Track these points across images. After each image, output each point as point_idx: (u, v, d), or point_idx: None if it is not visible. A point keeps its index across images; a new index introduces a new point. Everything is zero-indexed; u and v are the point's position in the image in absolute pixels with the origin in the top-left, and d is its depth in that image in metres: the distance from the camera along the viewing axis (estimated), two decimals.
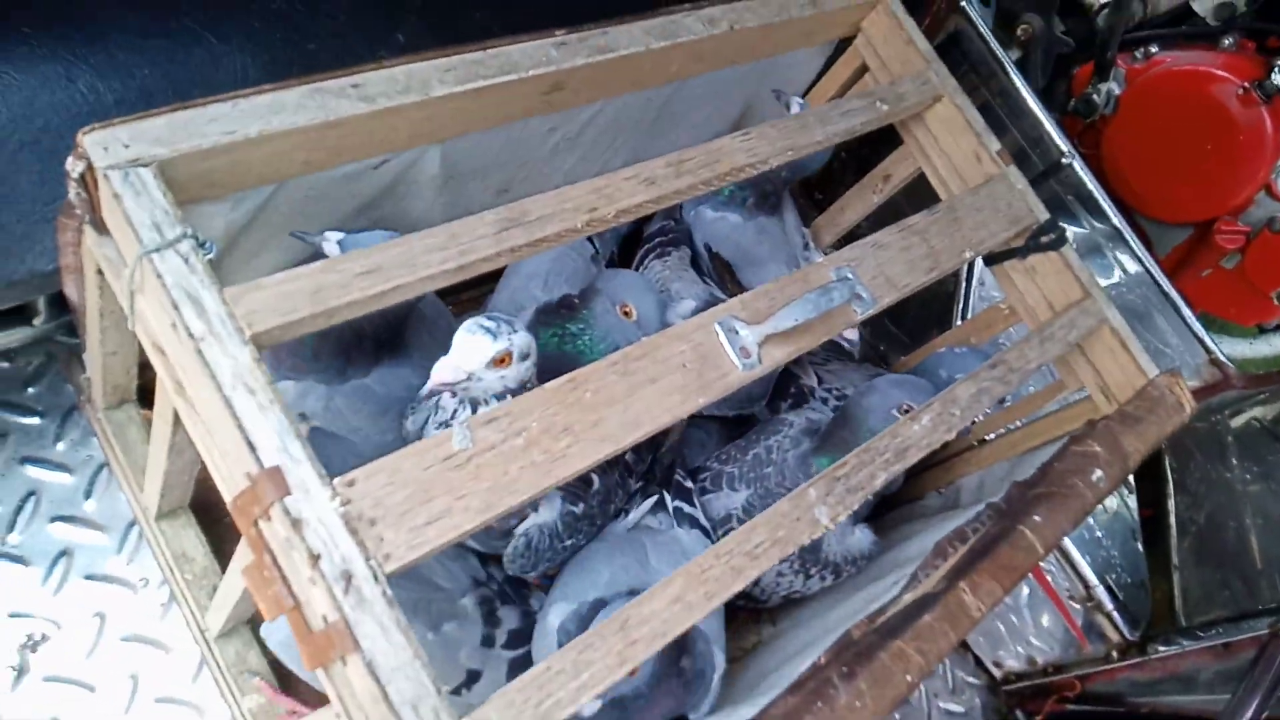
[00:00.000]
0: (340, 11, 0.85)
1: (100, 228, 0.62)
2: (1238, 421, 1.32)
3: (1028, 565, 0.77)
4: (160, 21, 0.75)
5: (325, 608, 0.52)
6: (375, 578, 0.53)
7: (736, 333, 0.73)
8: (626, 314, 0.91)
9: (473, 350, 0.70)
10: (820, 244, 1.28)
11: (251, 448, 0.53)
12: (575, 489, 0.84)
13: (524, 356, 0.73)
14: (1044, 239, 1.00)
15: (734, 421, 1.12)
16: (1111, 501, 1.32)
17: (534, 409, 0.62)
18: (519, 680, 0.55)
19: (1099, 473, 0.85)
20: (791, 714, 0.62)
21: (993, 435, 1.17)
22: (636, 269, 1.14)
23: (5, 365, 0.97)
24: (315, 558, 0.52)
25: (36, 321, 0.96)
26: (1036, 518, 0.79)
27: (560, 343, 0.89)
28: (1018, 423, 1.14)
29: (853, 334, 1.22)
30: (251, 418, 0.54)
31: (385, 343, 0.87)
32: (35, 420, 0.96)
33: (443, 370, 0.70)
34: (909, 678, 0.66)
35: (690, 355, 0.70)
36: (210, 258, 0.58)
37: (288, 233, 0.76)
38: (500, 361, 0.71)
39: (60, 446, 0.96)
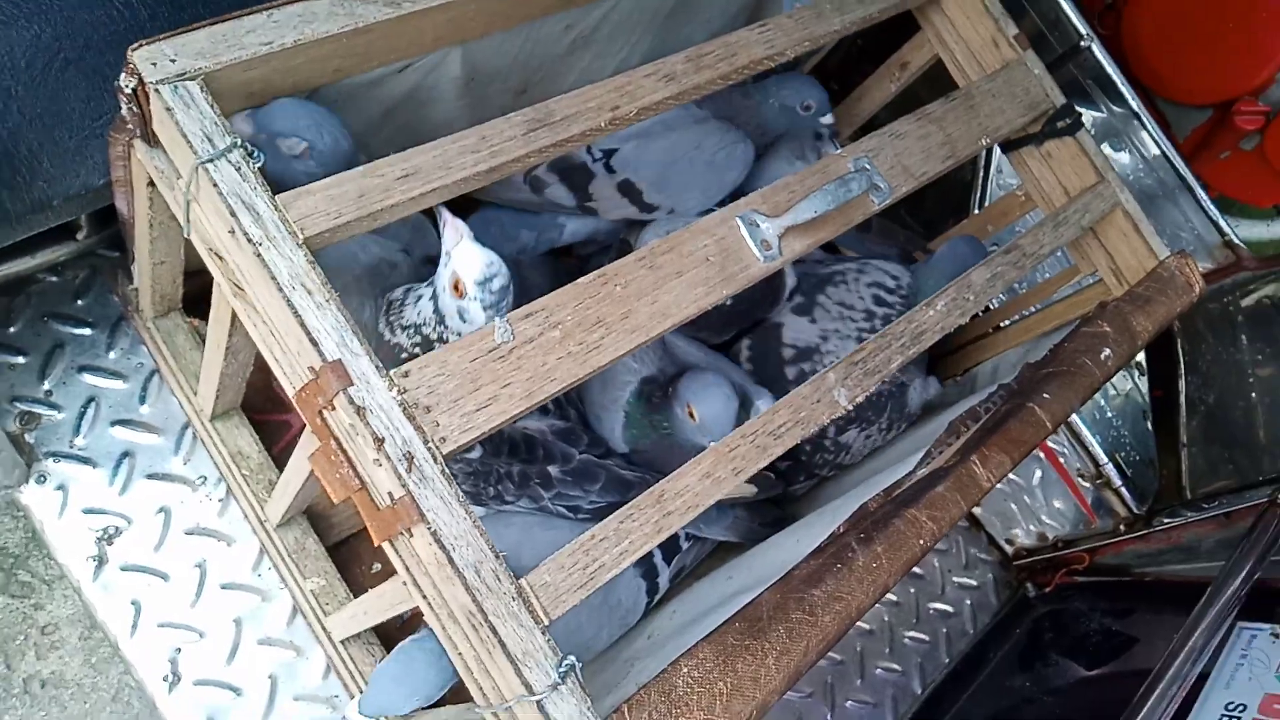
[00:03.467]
0: None
1: (151, 140, 0.65)
2: (1249, 301, 1.35)
3: (1036, 439, 0.82)
4: None
5: (391, 486, 0.57)
6: (434, 458, 0.58)
7: (757, 225, 0.76)
8: (691, 415, 0.89)
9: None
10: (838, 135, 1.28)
11: (314, 343, 0.57)
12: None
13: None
14: (1060, 124, 1.01)
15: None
16: (1123, 383, 1.35)
17: (568, 303, 0.66)
18: (568, 547, 0.61)
19: (1107, 351, 0.89)
20: (813, 576, 0.67)
21: (1007, 321, 1.20)
22: None
23: (54, 279, 1.02)
24: (379, 441, 0.57)
25: (79, 236, 0.99)
26: (1045, 395, 0.83)
27: (654, 430, 0.92)
28: (1033, 308, 1.17)
29: None
30: (311, 315, 0.58)
31: None
32: (87, 331, 1.01)
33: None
34: (922, 542, 0.71)
35: (714, 249, 0.73)
36: (261, 166, 0.61)
37: None
38: (455, 287, 0.70)
39: (112, 355, 1.01)
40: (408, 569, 0.62)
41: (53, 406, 0.97)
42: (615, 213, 1.03)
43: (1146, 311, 0.94)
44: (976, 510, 1.41)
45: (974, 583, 1.38)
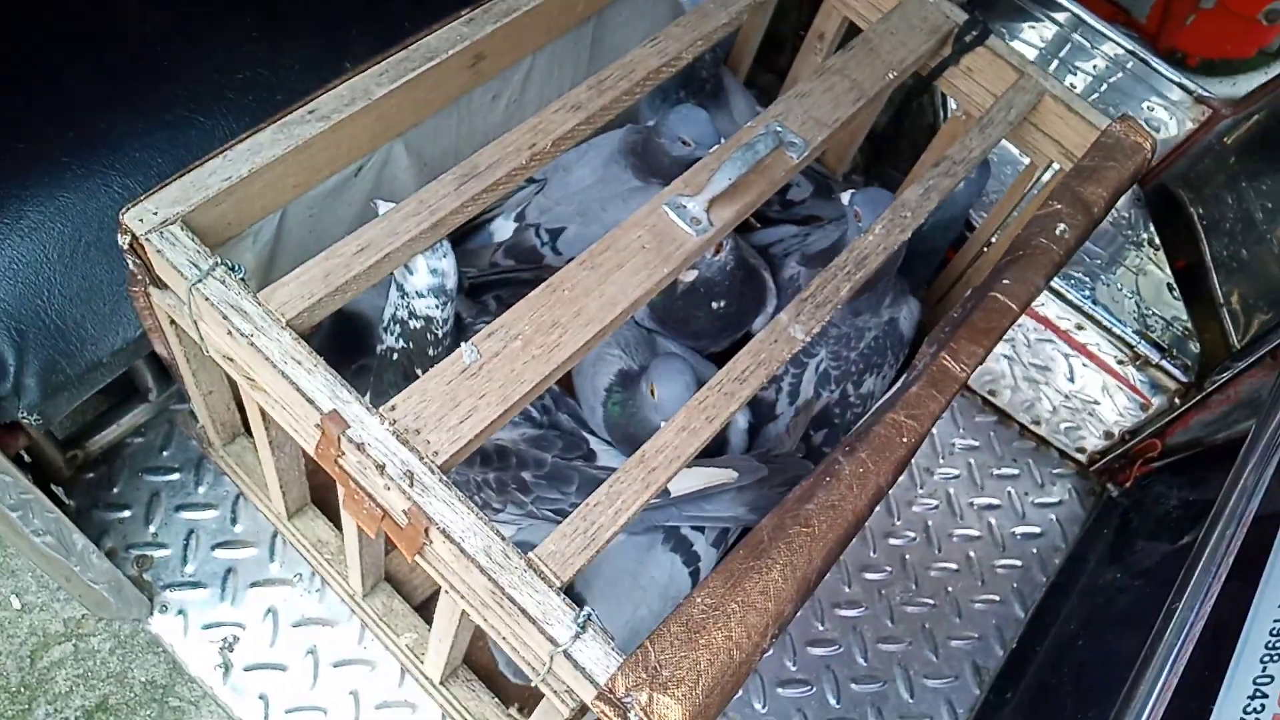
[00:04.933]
0: (295, 63, 0.99)
1: (158, 283, 0.78)
2: (1235, 144, 1.34)
3: (1004, 324, 0.85)
4: (158, 118, 0.90)
5: (402, 503, 0.66)
6: (431, 470, 0.66)
7: (684, 207, 0.83)
8: (651, 393, 0.96)
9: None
10: None
11: (311, 402, 0.68)
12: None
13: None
14: (968, 38, 1.06)
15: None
16: (1138, 261, 1.35)
17: (524, 315, 0.75)
18: (570, 517, 0.68)
19: (1062, 226, 0.92)
20: (805, 494, 0.72)
21: (994, 236, 1.23)
22: None
23: (140, 440, 1.17)
24: (381, 467, 0.66)
25: (151, 397, 1.15)
26: (1005, 280, 0.87)
27: (621, 408, 0.99)
28: (1013, 214, 1.20)
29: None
30: (305, 380, 0.68)
31: None
32: (176, 475, 1.15)
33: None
34: (905, 439, 0.75)
35: (647, 237, 0.81)
36: (241, 276, 0.73)
37: (305, 251, 0.91)
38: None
39: (201, 490, 1.15)
40: (442, 575, 0.70)
41: (161, 545, 1.10)
42: None
43: (1096, 180, 0.96)
44: (1039, 429, 1.41)
45: (1055, 499, 1.37)
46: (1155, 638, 0.81)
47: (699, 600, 0.66)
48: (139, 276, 0.78)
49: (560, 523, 0.69)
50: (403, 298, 0.87)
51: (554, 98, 1.09)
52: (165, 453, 1.16)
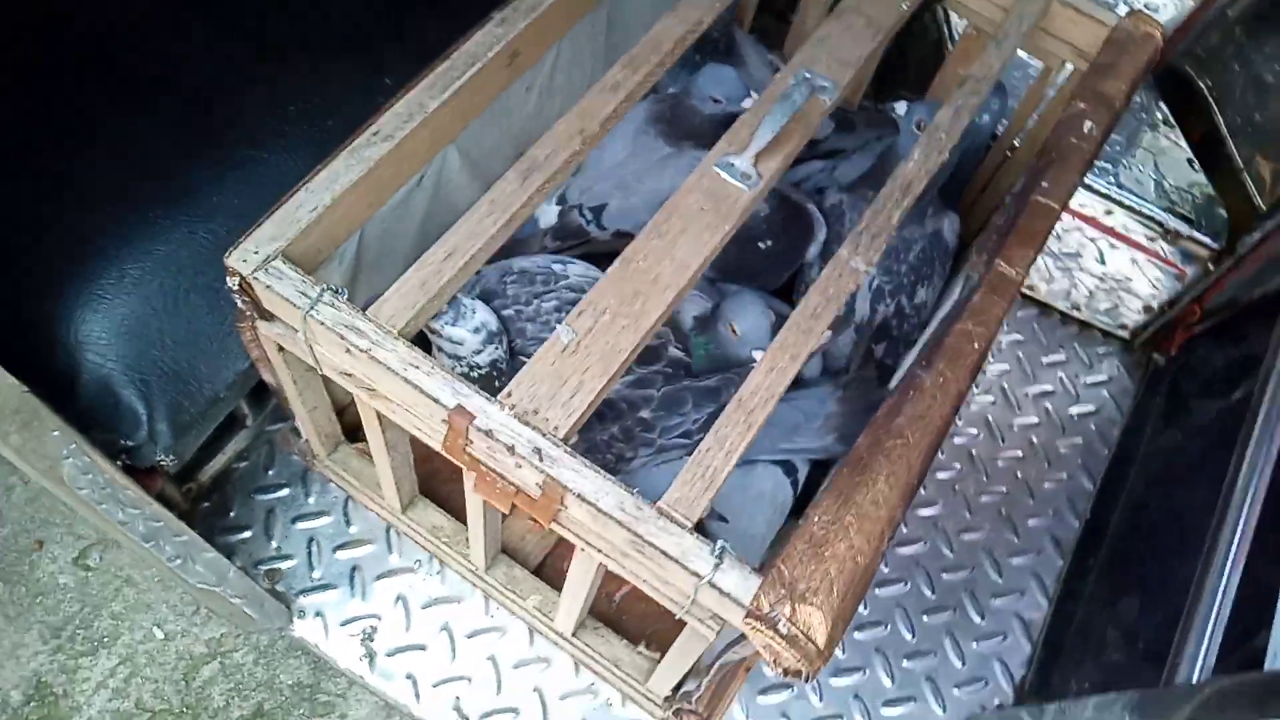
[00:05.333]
0: (339, 87, 1.04)
1: (267, 316, 0.84)
2: (1237, 15, 1.36)
3: (1049, 224, 0.90)
4: (229, 162, 0.96)
5: (535, 477, 0.73)
6: (556, 444, 0.73)
7: (732, 165, 0.89)
8: (733, 332, 1.00)
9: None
10: None
11: (436, 401, 0.74)
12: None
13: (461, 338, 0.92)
14: None
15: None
16: (1156, 142, 1.39)
17: (607, 291, 0.81)
18: (688, 464, 0.75)
19: (1088, 124, 0.96)
20: (893, 409, 0.78)
21: (1018, 141, 1.27)
22: None
23: (245, 464, 1.24)
24: (510, 448, 0.72)
25: (248, 423, 1.22)
26: (1044, 183, 0.92)
27: (704, 350, 1.04)
28: (1033, 118, 1.24)
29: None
30: (426, 383, 0.75)
31: None
32: (285, 491, 1.23)
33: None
34: (976, 345, 0.81)
35: (704, 199, 0.87)
36: (347, 297, 0.79)
37: (382, 261, 0.97)
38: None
39: (312, 500, 1.22)
40: (578, 536, 0.78)
41: (286, 557, 1.19)
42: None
43: (1114, 75, 1.01)
44: (1079, 314, 1.46)
45: (1105, 376, 1.43)
46: (1229, 485, 0.87)
47: (816, 518, 0.72)
48: (247, 313, 0.84)
49: (687, 447, 0.73)
50: (460, 361, 0.94)
51: (579, 79, 1.15)
52: (270, 472, 1.24)
